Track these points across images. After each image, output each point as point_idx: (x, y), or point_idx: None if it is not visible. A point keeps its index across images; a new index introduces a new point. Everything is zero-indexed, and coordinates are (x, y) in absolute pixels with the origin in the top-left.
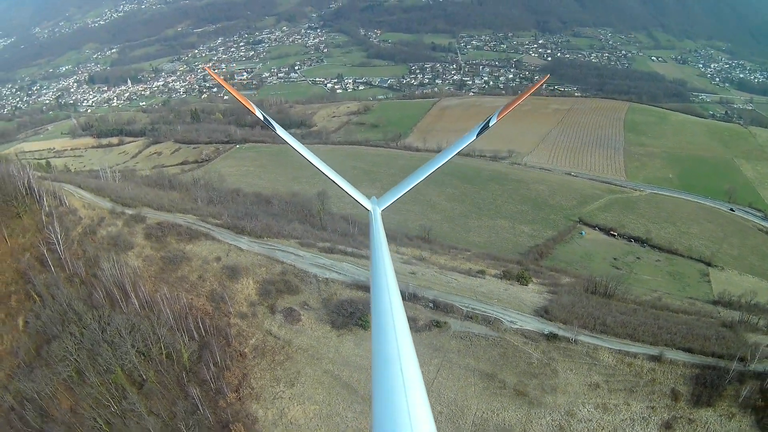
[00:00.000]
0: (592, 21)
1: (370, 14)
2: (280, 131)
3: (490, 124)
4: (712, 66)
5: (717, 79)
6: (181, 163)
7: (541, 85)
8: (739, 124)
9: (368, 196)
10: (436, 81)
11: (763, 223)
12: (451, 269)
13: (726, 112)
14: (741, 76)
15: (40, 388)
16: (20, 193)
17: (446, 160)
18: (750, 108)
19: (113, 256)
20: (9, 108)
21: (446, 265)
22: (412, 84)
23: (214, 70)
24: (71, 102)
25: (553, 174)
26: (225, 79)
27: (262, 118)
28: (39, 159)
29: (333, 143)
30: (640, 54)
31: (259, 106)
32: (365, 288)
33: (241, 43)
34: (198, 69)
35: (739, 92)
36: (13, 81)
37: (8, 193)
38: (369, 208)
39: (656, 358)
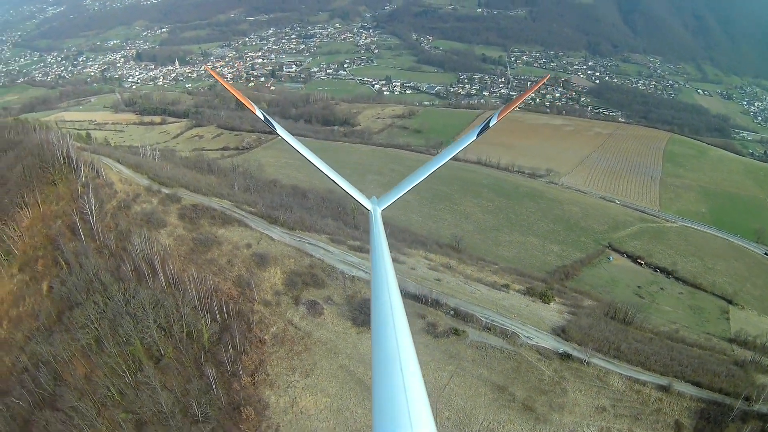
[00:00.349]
0: (643, 48)
1: (424, 20)
2: (281, 131)
3: (490, 125)
4: (756, 104)
5: (759, 118)
6: (222, 149)
7: (541, 85)
8: None
9: (368, 196)
10: (483, 93)
11: None
12: (476, 280)
13: (765, 152)
14: None
15: (57, 352)
16: (58, 161)
17: (446, 160)
18: None
19: (145, 233)
20: (53, 76)
21: (472, 276)
22: (459, 93)
23: (263, 60)
24: (116, 76)
25: (588, 196)
26: (273, 70)
27: (262, 118)
28: (79, 129)
29: (374, 144)
30: (687, 85)
31: (306, 99)
32: None
33: (293, 36)
34: (247, 56)
35: None
36: (59, 50)
37: (46, 160)
38: (369, 208)
39: (664, 388)
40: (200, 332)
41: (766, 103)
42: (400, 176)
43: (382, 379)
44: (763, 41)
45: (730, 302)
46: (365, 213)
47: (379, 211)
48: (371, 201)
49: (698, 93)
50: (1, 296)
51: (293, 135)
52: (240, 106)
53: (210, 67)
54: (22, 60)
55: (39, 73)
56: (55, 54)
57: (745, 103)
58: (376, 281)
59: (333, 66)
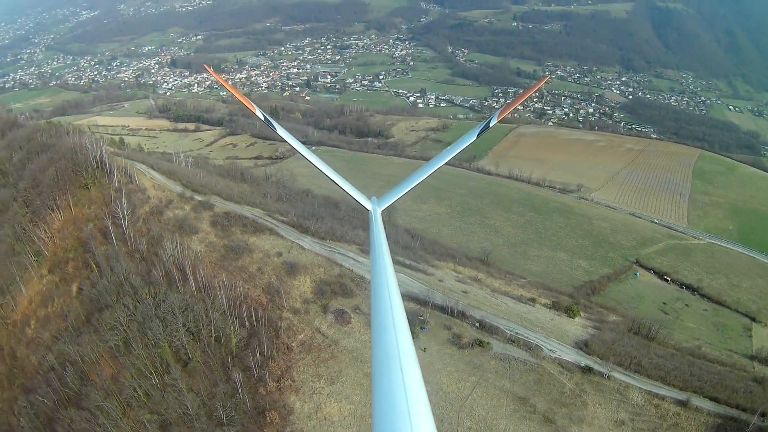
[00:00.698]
0: (676, 63)
1: (459, 32)
2: (281, 131)
3: (491, 125)
4: None
5: None
6: (255, 158)
7: (540, 86)
8: None
9: (368, 197)
10: (518, 107)
11: None
12: (503, 293)
13: None
14: None
15: (84, 353)
16: (91, 165)
17: (446, 160)
18: None
19: (177, 238)
20: (86, 80)
21: (499, 289)
22: (494, 107)
23: (298, 70)
24: (150, 83)
25: (617, 212)
26: (308, 80)
27: (262, 118)
28: (112, 134)
29: (408, 157)
30: (719, 102)
31: (340, 111)
32: (417, 300)
33: (328, 46)
34: (283, 66)
35: None
36: (93, 54)
37: (79, 164)
38: (369, 208)
39: (683, 403)
40: (228, 337)
41: None
42: (431, 189)
43: (382, 379)
44: None
45: (753, 320)
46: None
47: (379, 211)
48: (371, 201)
49: (729, 109)
50: (29, 296)
51: (330, 146)
52: (274, 114)
53: (245, 75)
54: (54, 63)
55: (72, 77)
56: (88, 58)
57: None
58: (376, 281)
59: (368, 77)
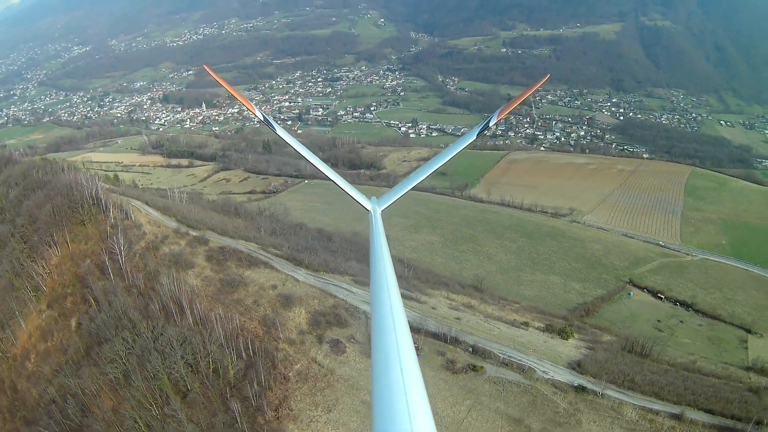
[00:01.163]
0: (666, 82)
1: (449, 61)
2: (281, 131)
3: (491, 124)
4: None
5: None
6: (249, 192)
7: (540, 85)
8: None
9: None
10: (509, 133)
11: None
12: (496, 318)
13: None
14: None
15: (85, 385)
16: (87, 201)
17: (446, 160)
18: None
19: (173, 273)
20: (79, 116)
21: (492, 315)
22: (485, 135)
23: (289, 103)
24: (143, 118)
25: (609, 234)
26: (300, 114)
27: (262, 118)
28: (107, 171)
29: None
30: (709, 117)
31: (332, 143)
32: (411, 327)
33: (319, 79)
34: (274, 99)
35: None
36: (86, 90)
37: (74, 200)
38: (369, 209)
39: (677, 417)
40: (226, 369)
41: None
42: (423, 219)
43: (382, 379)
44: None
45: (749, 331)
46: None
47: (378, 211)
48: (371, 201)
49: (720, 124)
50: (29, 330)
51: (322, 179)
52: (266, 149)
53: (236, 110)
54: (47, 99)
55: (65, 113)
56: (81, 94)
57: None
58: (376, 282)
59: (359, 109)
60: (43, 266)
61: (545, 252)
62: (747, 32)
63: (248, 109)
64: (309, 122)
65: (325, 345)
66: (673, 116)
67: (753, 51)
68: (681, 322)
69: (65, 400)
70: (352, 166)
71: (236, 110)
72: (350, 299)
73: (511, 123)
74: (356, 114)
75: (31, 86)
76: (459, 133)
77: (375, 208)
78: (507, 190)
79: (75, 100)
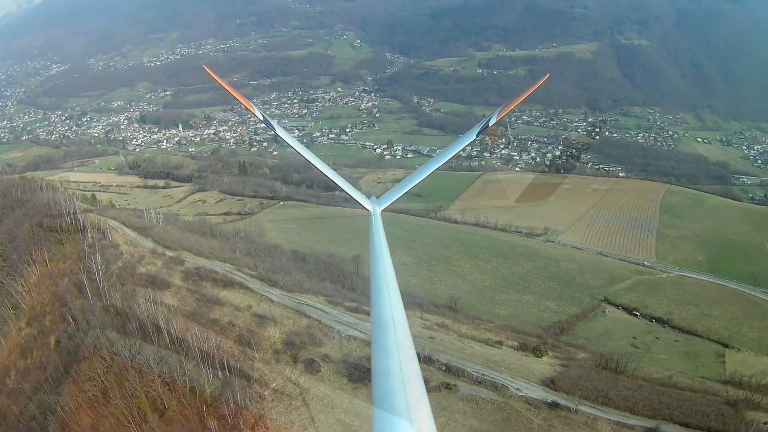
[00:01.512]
0: (642, 100)
1: (425, 82)
2: (280, 131)
3: (490, 124)
4: (755, 148)
5: (759, 161)
6: (225, 213)
7: (540, 84)
8: None
9: (368, 196)
10: (484, 154)
11: None
12: (470, 338)
13: (765, 195)
14: None
15: (64, 402)
16: (65, 221)
17: (446, 159)
18: None
19: (150, 293)
20: (57, 135)
21: (466, 334)
22: (460, 155)
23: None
24: (120, 138)
25: (584, 253)
26: (275, 135)
27: (261, 119)
28: (84, 191)
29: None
30: (686, 135)
31: (308, 165)
32: None
33: (295, 100)
34: (250, 121)
35: None
36: (63, 108)
37: (53, 219)
38: (369, 209)
39: (652, 430)
40: (203, 387)
41: (766, 145)
42: (397, 240)
43: (381, 380)
44: (762, 84)
45: (726, 346)
46: (365, 215)
47: (378, 210)
48: (371, 201)
49: (698, 141)
50: (9, 348)
51: (297, 200)
52: (242, 171)
53: (213, 131)
54: (26, 117)
55: (43, 132)
56: (59, 113)
57: (745, 147)
58: (376, 284)
59: (335, 131)
60: (22, 284)
61: (519, 272)
62: (723, 49)
63: (248, 109)
64: (285, 144)
65: (299, 364)
66: (650, 134)
67: (729, 67)
68: (657, 338)
69: (45, 416)
70: (327, 188)
71: (212, 131)
72: (324, 319)
73: (486, 144)
74: (332, 136)
75: (10, 104)
76: (434, 155)
77: (375, 208)
78: (481, 210)
79: (53, 119)
